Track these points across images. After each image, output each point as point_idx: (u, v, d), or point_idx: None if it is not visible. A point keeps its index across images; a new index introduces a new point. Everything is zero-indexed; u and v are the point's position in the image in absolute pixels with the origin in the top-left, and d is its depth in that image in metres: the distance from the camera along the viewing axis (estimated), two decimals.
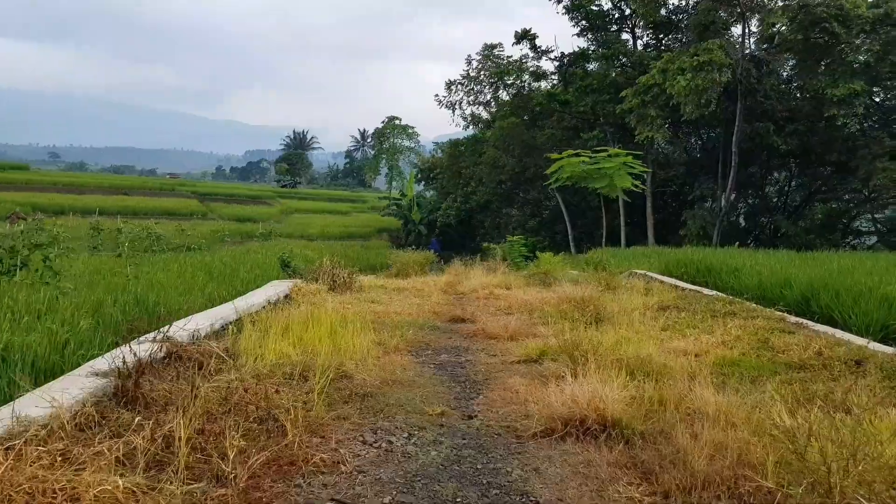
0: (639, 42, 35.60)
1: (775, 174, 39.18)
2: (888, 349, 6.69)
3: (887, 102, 31.61)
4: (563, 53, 36.52)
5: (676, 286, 11.94)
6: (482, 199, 43.89)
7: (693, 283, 13.02)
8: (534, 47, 36.75)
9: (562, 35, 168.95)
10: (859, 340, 7.26)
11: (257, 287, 11.09)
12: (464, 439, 4.25)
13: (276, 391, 4.44)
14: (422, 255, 20.87)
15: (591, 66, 36.77)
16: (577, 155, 13.92)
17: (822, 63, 25.76)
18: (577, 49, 36.32)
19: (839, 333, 7.62)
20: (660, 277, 13.18)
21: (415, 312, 9.65)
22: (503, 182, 41.76)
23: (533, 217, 43.49)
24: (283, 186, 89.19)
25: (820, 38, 24.57)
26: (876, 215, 33.95)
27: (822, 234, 32.40)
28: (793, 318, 8.40)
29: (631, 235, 36.88)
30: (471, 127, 44.36)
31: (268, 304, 8.95)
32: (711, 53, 24.01)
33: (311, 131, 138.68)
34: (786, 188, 39.18)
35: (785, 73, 33.09)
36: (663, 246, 28.95)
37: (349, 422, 4.42)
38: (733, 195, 32.27)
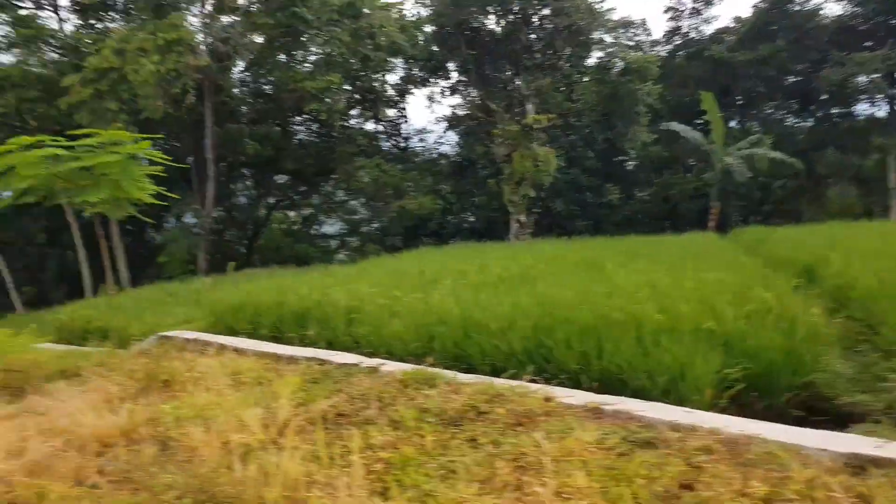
0: (66, 26, 27.67)
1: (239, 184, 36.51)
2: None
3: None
4: None
5: (274, 356, 7.07)
6: None
7: (278, 340, 8.31)
8: None
9: None
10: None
11: None
12: None
13: None
14: None
15: (7, 58, 27.30)
16: (41, 145, 7.24)
17: (295, 53, 23.68)
18: None
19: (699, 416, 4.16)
20: (226, 341, 7.99)
21: None
22: None
23: None
24: None
25: (291, 23, 22.18)
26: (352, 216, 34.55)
27: (312, 243, 31.48)
28: (584, 397, 4.66)
29: (95, 274, 28.98)
30: None
31: None
32: (179, 31, 19.11)
33: None
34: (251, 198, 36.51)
35: (245, 70, 30.21)
36: (144, 283, 22.98)
37: None
38: (215, 211, 28.15)
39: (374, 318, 7.51)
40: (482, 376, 5.48)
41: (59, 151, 7.28)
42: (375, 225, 33.60)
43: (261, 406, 5.20)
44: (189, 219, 30.30)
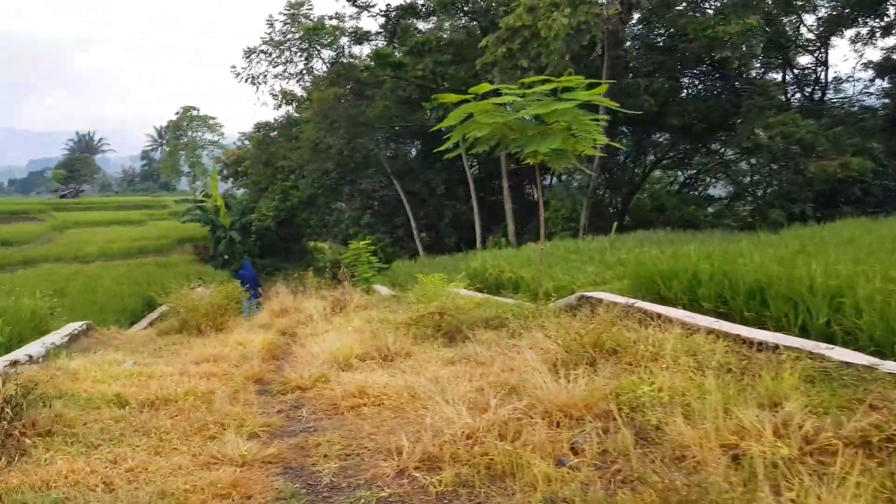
0: None
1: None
2: None
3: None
4: (388, 6, 29.71)
5: (736, 337, 5.75)
6: (305, 195, 36.19)
7: (724, 317, 7.02)
8: None
9: None
10: None
11: None
12: None
13: None
14: (222, 291, 13.30)
15: (425, 25, 30.50)
16: (496, 94, 7.16)
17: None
18: (404, 3, 29.71)
19: None
20: (668, 312, 6.89)
21: None
22: (328, 172, 34.42)
23: (366, 210, 36.69)
24: (62, 197, 74.45)
25: None
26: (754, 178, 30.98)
27: (700, 205, 29.18)
28: None
29: (483, 226, 31.14)
30: (283, 106, 36.46)
31: None
32: None
33: (104, 133, 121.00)
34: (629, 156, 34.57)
35: (639, 23, 28.63)
36: (525, 239, 23.57)
37: None
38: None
39: (877, 305, 5.73)
40: None
41: (515, 99, 7.00)
42: (774, 188, 29.47)
43: (754, 404, 3.98)
44: (564, 176, 30.53)
